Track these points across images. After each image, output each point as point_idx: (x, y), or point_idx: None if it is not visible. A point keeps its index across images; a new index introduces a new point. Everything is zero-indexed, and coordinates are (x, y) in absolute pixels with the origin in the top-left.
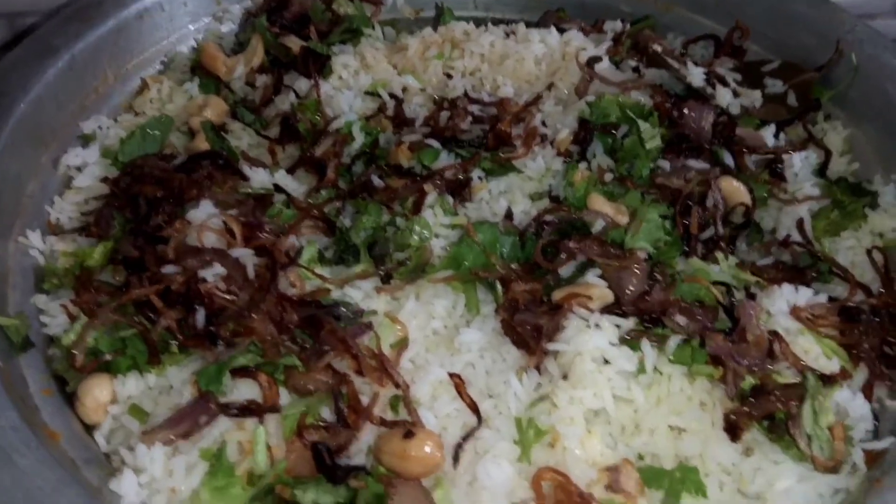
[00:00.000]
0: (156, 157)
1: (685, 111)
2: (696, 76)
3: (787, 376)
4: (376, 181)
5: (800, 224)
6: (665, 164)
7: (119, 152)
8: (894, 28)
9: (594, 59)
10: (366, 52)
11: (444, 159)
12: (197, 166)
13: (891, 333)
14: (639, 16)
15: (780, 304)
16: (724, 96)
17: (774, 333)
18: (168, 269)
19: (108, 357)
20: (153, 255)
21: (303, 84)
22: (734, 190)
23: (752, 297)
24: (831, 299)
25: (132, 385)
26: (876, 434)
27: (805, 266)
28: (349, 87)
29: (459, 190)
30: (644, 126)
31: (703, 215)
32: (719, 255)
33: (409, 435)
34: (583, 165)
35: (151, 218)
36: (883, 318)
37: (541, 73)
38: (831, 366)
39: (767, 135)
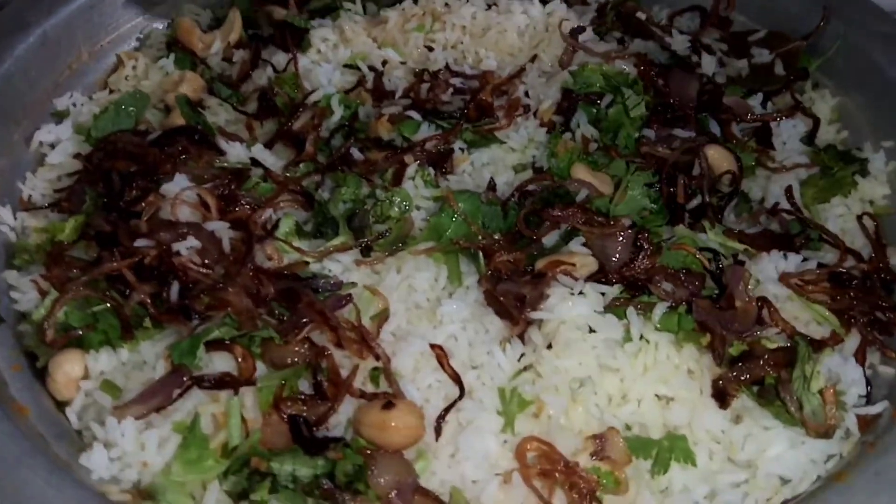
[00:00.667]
0: (130, 133)
1: (669, 79)
2: (680, 44)
3: (776, 341)
4: (356, 154)
5: (788, 191)
6: (650, 134)
7: (92, 128)
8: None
9: (578, 30)
10: (345, 26)
11: (425, 131)
12: (172, 141)
13: (882, 298)
14: None
15: (769, 271)
16: (709, 64)
17: (763, 299)
18: (141, 242)
19: (79, 332)
20: (126, 229)
21: (281, 58)
22: (721, 157)
23: (740, 264)
24: (821, 266)
25: (104, 360)
26: (869, 399)
27: (795, 233)
28: (328, 60)
29: (441, 162)
30: (628, 93)
31: (689, 184)
32: (706, 223)
33: (388, 405)
34: (567, 136)
35: (125, 193)
36: (874, 283)
37: (524, 45)
38: (822, 331)
39: (755, 104)
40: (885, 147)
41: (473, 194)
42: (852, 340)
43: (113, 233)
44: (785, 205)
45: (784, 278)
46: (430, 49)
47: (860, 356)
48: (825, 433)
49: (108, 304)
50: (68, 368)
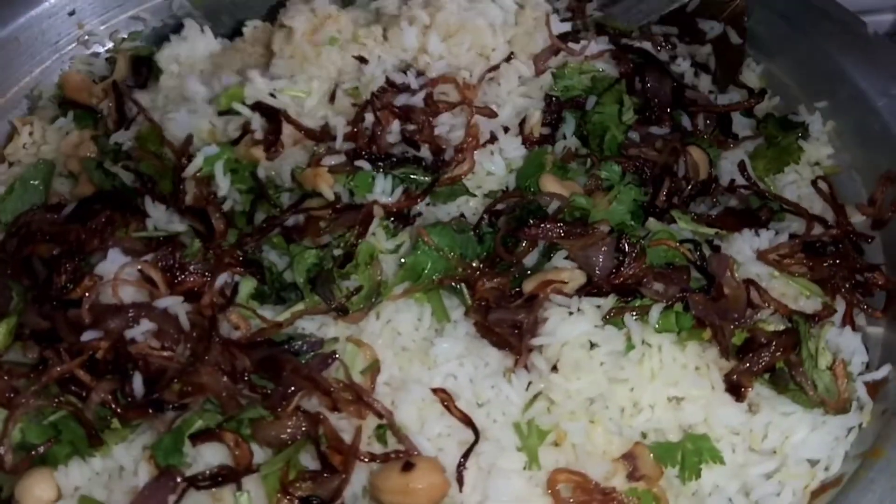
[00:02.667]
0: (42, 209)
1: (646, 78)
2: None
3: (772, 322)
4: (292, 221)
5: (741, 166)
6: (634, 136)
7: (0, 212)
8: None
9: (566, 35)
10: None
11: (381, 183)
12: (90, 212)
13: (858, 260)
14: None
15: (745, 251)
16: (682, 62)
17: (750, 281)
18: (88, 335)
19: (41, 449)
20: (66, 322)
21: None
22: (701, 159)
23: (716, 249)
24: (792, 237)
25: (76, 474)
26: (868, 364)
27: (756, 208)
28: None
29: (403, 219)
30: (625, 99)
31: (673, 185)
32: (675, 213)
33: (407, 466)
34: (549, 148)
35: (54, 280)
36: (846, 246)
37: (497, 43)
38: (812, 304)
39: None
40: (819, 108)
41: (445, 225)
42: (838, 307)
43: (52, 329)
44: (740, 180)
45: (762, 255)
46: (363, 60)
47: (849, 322)
48: (843, 408)
49: (67, 411)
50: (38, 492)
